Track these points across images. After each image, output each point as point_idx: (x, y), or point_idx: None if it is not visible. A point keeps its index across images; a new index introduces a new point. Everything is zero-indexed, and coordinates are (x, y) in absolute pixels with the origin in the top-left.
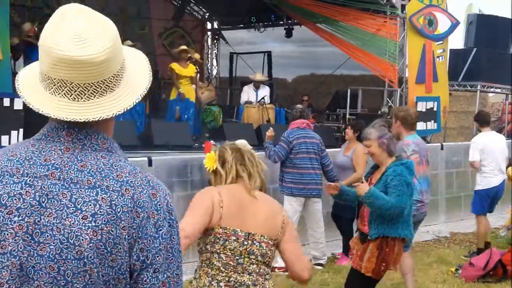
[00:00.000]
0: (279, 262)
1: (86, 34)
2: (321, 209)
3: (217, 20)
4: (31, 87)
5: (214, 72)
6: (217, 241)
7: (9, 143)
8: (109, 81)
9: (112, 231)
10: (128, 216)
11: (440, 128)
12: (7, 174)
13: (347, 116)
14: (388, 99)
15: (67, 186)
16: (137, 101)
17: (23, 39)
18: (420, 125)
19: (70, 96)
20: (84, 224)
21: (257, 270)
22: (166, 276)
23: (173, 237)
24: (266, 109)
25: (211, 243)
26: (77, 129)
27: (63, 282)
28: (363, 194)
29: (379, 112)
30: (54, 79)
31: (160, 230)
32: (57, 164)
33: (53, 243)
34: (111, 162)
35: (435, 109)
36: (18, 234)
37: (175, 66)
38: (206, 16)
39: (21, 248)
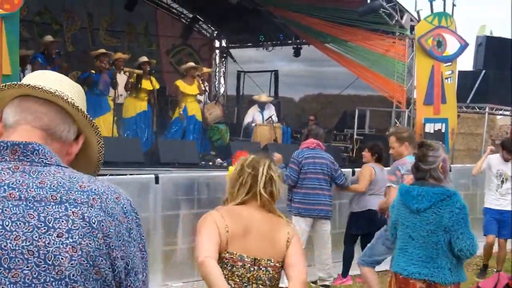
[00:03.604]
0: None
1: None
2: (330, 231)
3: (226, 38)
4: None
5: (222, 90)
6: (225, 266)
7: None
8: None
9: (90, 244)
10: (102, 226)
11: (448, 150)
12: None
13: (355, 136)
14: (396, 120)
15: (31, 205)
16: None
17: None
18: None
19: None
20: (61, 242)
21: None
22: (144, 274)
23: (142, 236)
24: (274, 128)
25: None
26: (22, 146)
27: None
28: None
29: (387, 133)
30: None
31: (131, 232)
32: (12, 183)
33: (27, 267)
34: (68, 174)
35: (443, 130)
36: None
37: (180, 83)
38: (215, 34)
39: None
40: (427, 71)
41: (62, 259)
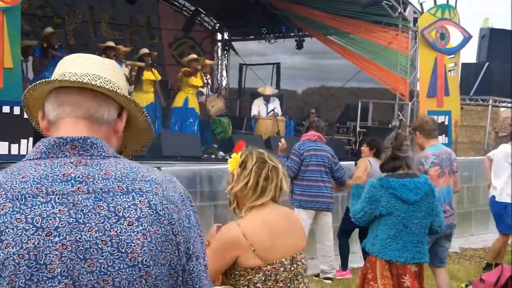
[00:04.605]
0: None
1: None
2: (331, 223)
3: (228, 31)
4: None
5: (224, 83)
6: (269, 278)
7: (19, 152)
8: None
9: (158, 230)
10: (166, 213)
11: (451, 143)
12: (29, 196)
13: (358, 129)
14: (399, 112)
15: (100, 197)
16: None
17: (42, 42)
18: None
19: None
20: (132, 230)
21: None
22: (205, 259)
23: (199, 223)
24: (277, 121)
25: (262, 281)
26: (81, 140)
27: None
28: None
29: (390, 126)
30: None
31: (190, 218)
32: (78, 177)
33: (102, 256)
34: (128, 165)
35: (446, 123)
36: (64, 255)
37: (188, 70)
38: (217, 27)
39: (71, 267)
40: (430, 63)
41: (134, 246)
